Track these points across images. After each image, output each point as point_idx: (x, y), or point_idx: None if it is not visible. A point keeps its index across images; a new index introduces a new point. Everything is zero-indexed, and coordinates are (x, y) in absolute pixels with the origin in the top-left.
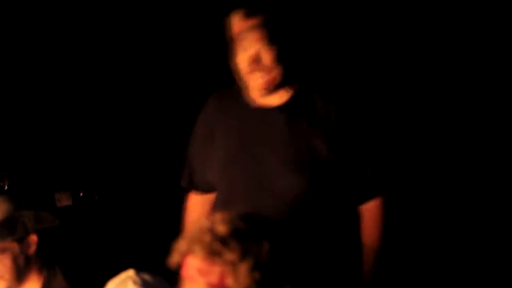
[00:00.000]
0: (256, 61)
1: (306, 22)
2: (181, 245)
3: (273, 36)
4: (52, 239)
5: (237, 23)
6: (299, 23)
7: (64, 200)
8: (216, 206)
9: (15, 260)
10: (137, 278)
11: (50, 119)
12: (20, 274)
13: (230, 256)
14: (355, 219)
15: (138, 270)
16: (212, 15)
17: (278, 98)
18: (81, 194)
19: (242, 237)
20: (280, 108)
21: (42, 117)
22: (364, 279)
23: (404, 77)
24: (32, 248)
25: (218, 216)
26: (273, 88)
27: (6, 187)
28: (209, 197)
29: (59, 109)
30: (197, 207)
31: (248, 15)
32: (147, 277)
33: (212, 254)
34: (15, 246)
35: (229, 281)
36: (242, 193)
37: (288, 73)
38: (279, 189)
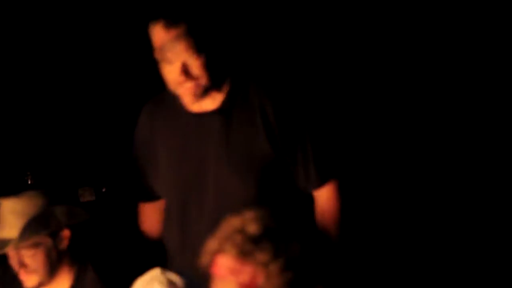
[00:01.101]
0: (184, 72)
1: (228, 22)
2: (212, 244)
3: (198, 44)
4: (83, 234)
5: (158, 33)
6: (221, 25)
7: (87, 196)
8: (168, 218)
9: (48, 254)
10: (163, 278)
11: (74, 115)
12: (52, 268)
13: (262, 256)
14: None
15: (164, 267)
16: None
17: (212, 102)
18: (104, 190)
19: (274, 237)
20: (215, 112)
21: (66, 113)
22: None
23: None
24: (65, 243)
25: (248, 215)
26: (204, 94)
27: (29, 182)
28: (161, 203)
29: (83, 105)
30: (152, 214)
31: (169, 25)
32: (173, 276)
33: (244, 254)
34: (48, 241)
35: (261, 281)
36: (194, 204)
37: (218, 76)
38: (229, 193)
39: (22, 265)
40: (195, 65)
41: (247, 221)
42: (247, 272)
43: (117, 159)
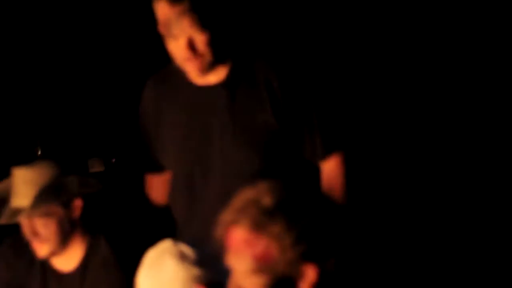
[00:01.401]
0: (190, 47)
1: None
2: (226, 216)
3: (203, 20)
4: (95, 204)
5: (163, 9)
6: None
7: (96, 166)
8: (175, 190)
9: (59, 224)
10: (174, 250)
11: (84, 86)
12: (64, 238)
13: (275, 228)
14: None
15: (174, 237)
16: None
17: (217, 75)
18: (113, 161)
19: (287, 209)
20: (220, 85)
21: (76, 84)
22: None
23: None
24: (77, 213)
25: (262, 186)
26: (210, 68)
27: (39, 153)
28: (167, 175)
29: (92, 76)
30: (159, 186)
31: (174, 1)
32: (184, 248)
33: (257, 226)
34: (60, 211)
35: (274, 252)
36: (200, 176)
37: (224, 51)
38: (234, 164)
39: (34, 234)
40: (200, 41)
41: (261, 193)
42: (261, 244)
43: (126, 130)
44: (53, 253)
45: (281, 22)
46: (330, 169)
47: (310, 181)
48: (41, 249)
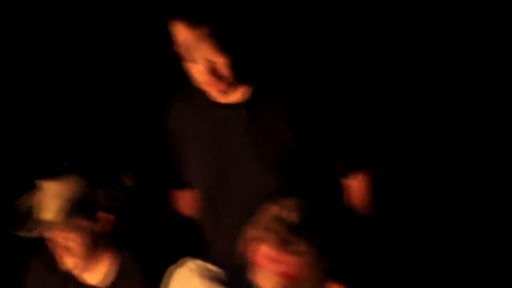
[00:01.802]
0: (211, 72)
1: (251, 20)
2: (251, 232)
3: (223, 43)
4: (123, 219)
5: (181, 32)
6: (245, 23)
7: (126, 180)
8: (200, 205)
9: (86, 237)
10: (201, 269)
11: (116, 102)
12: (91, 252)
13: (301, 246)
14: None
15: (195, 256)
16: None
17: (239, 94)
18: (143, 175)
19: (313, 227)
20: (241, 104)
21: (107, 99)
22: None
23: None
24: (104, 227)
25: (287, 203)
26: (231, 89)
27: (70, 166)
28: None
29: (128, 92)
30: (186, 202)
31: (193, 24)
32: (211, 267)
33: (283, 243)
34: (86, 224)
35: (300, 270)
36: (221, 193)
37: (245, 72)
38: (254, 183)
39: (61, 247)
40: (221, 65)
41: (286, 210)
42: (286, 261)
43: (155, 145)
44: (80, 267)
45: (300, 38)
46: (355, 188)
47: (331, 198)
48: (68, 263)
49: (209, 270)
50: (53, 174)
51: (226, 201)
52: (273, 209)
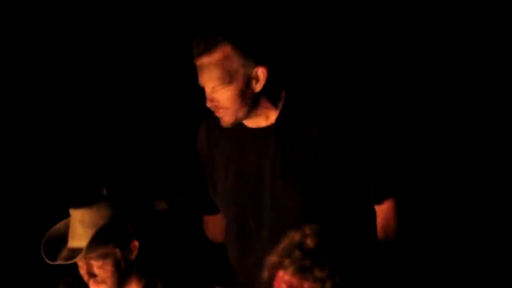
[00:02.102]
0: (211, 99)
1: (275, 42)
2: (272, 258)
3: (228, 74)
4: (152, 246)
5: (196, 55)
6: (268, 46)
7: (161, 205)
8: (228, 231)
9: (116, 265)
10: None
11: (150, 127)
12: (120, 279)
13: (319, 273)
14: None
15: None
16: None
17: (266, 119)
18: (179, 200)
19: (331, 254)
20: (270, 128)
21: (141, 125)
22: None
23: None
24: (134, 254)
25: (308, 230)
26: (238, 121)
27: (105, 193)
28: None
29: (159, 117)
30: (216, 227)
31: (206, 49)
32: None
33: (301, 270)
34: (117, 252)
35: None
36: (251, 218)
37: (273, 94)
38: (285, 207)
39: (91, 275)
40: (220, 97)
41: (306, 236)
42: (304, 287)
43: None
44: None
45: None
46: (382, 214)
47: (361, 223)
48: None
49: None
50: (85, 202)
51: (256, 226)
52: (293, 236)
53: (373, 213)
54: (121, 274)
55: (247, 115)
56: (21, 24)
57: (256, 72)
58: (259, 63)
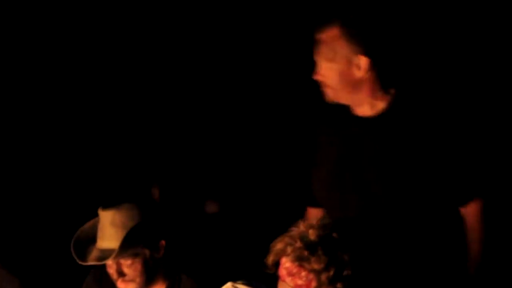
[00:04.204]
0: (317, 73)
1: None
2: (277, 246)
3: (332, 52)
4: (179, 245)
5: (315, 31)
6: (382, 31)
7: (212, 208)
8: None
9: (145, 264)
10: None
11: (201, 130)
12: (149, 278)
13: (315, 264)
14: (457, 224)
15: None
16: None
17: (371, 108)
18: (229, 204)
19: (330, 247)
20: (372, 118)
21: (194, 129)
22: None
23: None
24: (161, 253)
25: (313, 221)
26: (339, 101)
27: (156, 194)
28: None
29: (209, 121)
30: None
31: (321, 27)
32: (243, 287)
33: (300, 259)
34: (146, 252)
35: (313, 286)
36: (349, 209)
37: (385, 83)
38: (373, 197)
39: (120, 274)
40: (325, 71)
41: (310, 228)
42: (302, 276)
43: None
44: None
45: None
46: (470, 215)
47: (444, 225)
48: None
49: None
50: (113, 203)
51: (352, 212)
52: (301, 226)
53: (456, 218)
54: (149, 273)
55: (349, 98)
56: (21, 24)
57: (359, 60)
58: (363, 52)
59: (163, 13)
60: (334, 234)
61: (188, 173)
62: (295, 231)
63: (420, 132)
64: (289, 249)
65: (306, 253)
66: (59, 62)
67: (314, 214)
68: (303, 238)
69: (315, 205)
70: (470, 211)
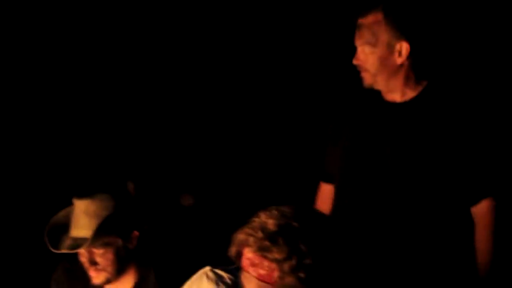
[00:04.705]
0: (357, 58)
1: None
2: (239, 237)
3: (374, 37)
4: (150, 236)
5: (358, 16)
6: (420, 21)
7: (187, 200)
8: (335, 204)
9: (117, 254)
10: (211, 274)
11: (175, 124)
12: (120, 267)
13: (276, 254)
14: (467, 222)
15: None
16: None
17: (401, 96)
18: (203, 196)
19: (290, 237)
20: (402, 106)
21: (167, 122)
22: (480, 279)
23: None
24: (133, 244)
25: (273, 212)
26: (375, 86)
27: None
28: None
29: (183, 113)
30: (326, 197)
31: (364, 12)
32: (221, 272)
33: (262, 249)
34: (118, 241)
35: (276, 276)
36: (356, 193)
37: (419, 72)
38: (394, 187)
39: (93, 263)
40: (365, 56)
41: (271, 218)
42: (264, 266)
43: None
44: (108, 281)
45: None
46: (480, 214)
47: (454, 222)
48: (98, 277)
49: (218, 275)
50: (88, 192)
51: (367, 198)
52: (262, 215)
53: (467, 217)
54: (121, 262)
55: (385, 83)
56: (21, 24)
57: (400, 46)
58: (404, 39)
59: (156, 9)
60: (295, 223)
61: (164, 166)
62: (256, 221)
63: (443, 124)
64: (250, 240)
65: (267, 243)
66: (42, 57)
67: (326, 190)
68: (263, 228)
69: (329, 181)
70: (481, 210)
